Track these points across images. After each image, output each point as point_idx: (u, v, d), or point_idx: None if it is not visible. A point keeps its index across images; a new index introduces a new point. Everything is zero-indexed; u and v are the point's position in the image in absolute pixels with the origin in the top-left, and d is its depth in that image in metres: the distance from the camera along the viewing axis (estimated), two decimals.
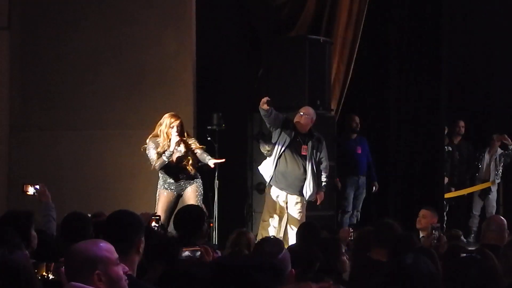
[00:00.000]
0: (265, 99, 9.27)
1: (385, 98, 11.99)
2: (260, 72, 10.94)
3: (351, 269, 6.40)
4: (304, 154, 9.53)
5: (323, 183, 9.69)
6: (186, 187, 9.14)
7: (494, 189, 12.71)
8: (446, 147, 12.41)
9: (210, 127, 9.74)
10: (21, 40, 10.73)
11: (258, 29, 11.45)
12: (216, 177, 9.57)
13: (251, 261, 3.13)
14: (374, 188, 11.78)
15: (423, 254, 4.03)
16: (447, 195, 12.34)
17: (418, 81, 11.77)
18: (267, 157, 9.67)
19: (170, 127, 9.00)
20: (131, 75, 10.47)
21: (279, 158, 9.50)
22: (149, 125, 9.56)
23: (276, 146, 9.51)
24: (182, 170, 9.13)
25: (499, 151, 12.74)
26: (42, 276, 4.40)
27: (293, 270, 4.07)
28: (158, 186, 9.22)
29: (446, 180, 12.37)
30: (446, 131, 12.43)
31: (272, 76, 10.58)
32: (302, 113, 9.57)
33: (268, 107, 9.26)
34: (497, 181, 12.72)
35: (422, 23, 11.79)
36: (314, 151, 9.58)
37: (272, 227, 9.50)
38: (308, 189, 9.51)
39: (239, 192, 10.00)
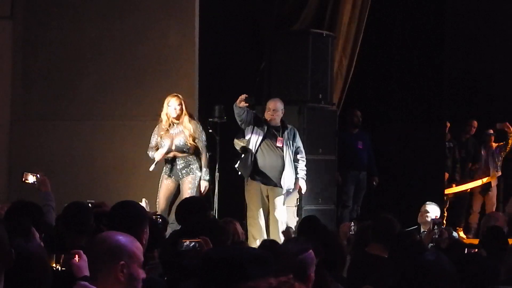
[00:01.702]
0: (243, 96, 9.25)
1: (387, 92, 11.98)
2: (262, 65, 10.93)
3: (349, 263, 6.40)
4: (279, 145, 9.52)
5: (304, 172, 9.68)
6: (183, 177, 9.21)
7: (494, 184, 12.75)
8: (447, 143, 12.42)
9: (211, 119, 9.74)
10: (23, 29, 10.72)
11: (261, 22, 11.44)
12: (216, 170, 9.58)
13: (240, 252, 3.06)
14: (374, 182, 11.79)
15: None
16: (447, 191, 12.35)
17: (420, 75, 11.76)
18: (243, 154, 9.63)
19: (168, 105, 9.11)
20: (133, 66, 10.47)
21: (256, 152, 9.49)
22: (151, 117, 9.57)
23: (251, 141, 9.49)
24: (180, 158, 9.20)
25: (494, 145, 12.82)
26: (51, 267, 4.40)
27: (312, 274, 3.98)
28: (163, 170, 9.35)
29: (446, 176, 12.38)
30: (448, 127, 12.43)
31: (275, 69, 10.57)
32: (271, 109, 9.53)
33: (245, 104, 9.25)
34: (498, 174, 12.76)
35: (426, 17, 11.77)
36: (290, 141, 9.57)
37: (259, 223, 9.47)
38: (286, 179, 9.50)
39: (239, 185, 9.99)
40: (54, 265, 4.38)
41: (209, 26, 10.66)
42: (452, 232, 8.15)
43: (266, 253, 3.04)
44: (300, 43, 10.51)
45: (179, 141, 9.20)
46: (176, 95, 9.27)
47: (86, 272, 4.11)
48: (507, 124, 12.67)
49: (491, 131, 12.86)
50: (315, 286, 4.06)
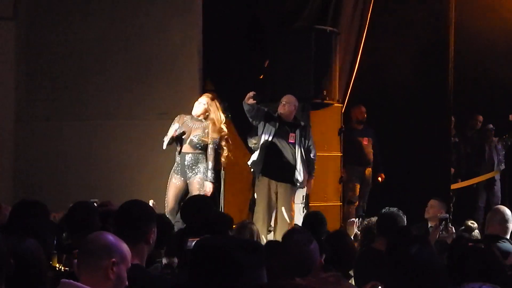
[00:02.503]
0: (251, 94, 9.27)
1: (391, 88, 11.96)
2: (266, 63, 10.92)
3: (356, 259, 6.40)
4: (291, 141, 9.52)
5: (313, 171, 9.68)
6: (191, 177, 9.19)
7: (497, 177, 12.76)
8: (452, 138, 12.40)
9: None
10: (26, 30, 10.73)
11: (264, 19, 11.43)
12: (222, 168, 9.57)
13: (229, 240, 3.04)
14: (380, 179, 11.77)
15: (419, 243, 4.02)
16: (453, 186, 12.33)
17: (425, 71, 11.74)
18: (255, 151, 9.64)
19: (197, 102, 9.32)
20: (137, 66, 10.47)
21: (267, 148, 9.49)
22: (156, 116, 9.58)
23: (263, 138, 9.49)
24: (190, 154, 9.20)
25: (495, 139, 12.83)
26: (54, 267, 4.42)
27: (322, 260, 4.01)
28: (172, 169, 9.37)
29: (452, 171, 12.37)
30: (453, 122, 12.41)
31: (278, 66, 10.56)
32: (284, 102, 9.55)
33: (253, 101, 9.26)
34: (501, 167, 12.76)
35: (429, 12, 11.75)
36: (303, 138, 9.56)
37: (264, 220, 9.46)
38: (299, 175, 9.47)
39: (245, 183, 9.99)
40: (56, 265, 4.40)
41: (212, 24, 10.65)
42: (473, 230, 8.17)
43: (257, 243, 3.03)
44: (303, 40, 10.49)
45: (194, 136, 9.22)
46: (207, 95, 9.42)
47: None
48: None
49: (491, 126, 12.87)
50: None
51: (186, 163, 9.22)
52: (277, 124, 9.49)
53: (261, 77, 10.99)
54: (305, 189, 9.76)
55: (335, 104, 10.87)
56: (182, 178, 9.26)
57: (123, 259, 3.54)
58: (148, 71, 10.45)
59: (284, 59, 10.51)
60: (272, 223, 9.55)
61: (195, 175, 9.20)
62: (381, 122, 11.92)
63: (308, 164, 9.59)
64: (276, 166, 9.48)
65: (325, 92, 10.50)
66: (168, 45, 10.43)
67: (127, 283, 3.56)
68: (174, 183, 9.27)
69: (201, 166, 9.21)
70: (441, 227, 7.29)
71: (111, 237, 3.59)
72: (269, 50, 10.85)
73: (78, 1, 10.66)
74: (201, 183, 9.18)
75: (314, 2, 11.39)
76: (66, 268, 4.43)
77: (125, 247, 3.59)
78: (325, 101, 10.55)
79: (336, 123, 10.78)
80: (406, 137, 11.83)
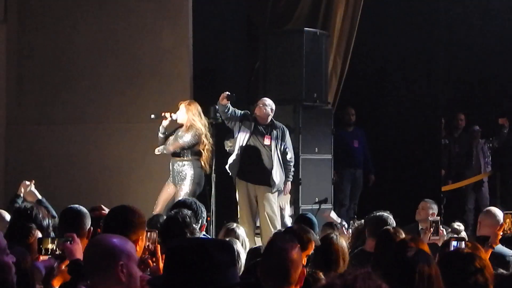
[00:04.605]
0: (225, 94, 9.28)
1: (382, 90, 11.98)
2: (257, 65, 10.93)
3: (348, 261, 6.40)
4: (267, 143, 9.50)
5: (291, 174, 9.67)
6: (179, 182, 9.25)
7: (485, 179, 12.79)
8: (443, 140, 12.42)
9: (206, 120, 9.74)
10: (17, 33, 10.72)
11: (255, 22, 11.45)
12: (213, 171, 9.57)
13: (203, 239, 3.07)
14: (370, 180, 11.79)
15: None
16: (444, 188, 12.35)
17: (415, 73, 11.76)
18: (232, 154, 9.63)
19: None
20: (128, 69, 10.47)
21: (242, 150, 9.49)
22: (146, 119, 9.57)
23: (238, 140, 9.48)
24: (176, 162, 9.29)
25: (481, 141, 12.85)
26: (46, 249, 4.44)
27: (304, 269, 3.98)
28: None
29: (442, 172, 12.39)
30: (443, 124, 12.43)
31: (269, 69, 10.58)
32: (261, 105, 9.55)
33: (227, 102, 9.27)
34: (487, 169, 12.79)
35: (419, 14, 11.78)
36: (279, 141, 9.54)
37: (248, 223, 9.46)
38: (275, 178, 9.46)
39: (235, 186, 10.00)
40: (49, 245, 4.42)
41: (203, 27, 10.66)
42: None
43: (228, 242, 3.09)
44: (294, 42, 10.52)
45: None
46: (184, 102, 9.41)
47: (79, 255, 4.16)
48: (505, 119, 12.69)
49: (477, 127, 12.89)
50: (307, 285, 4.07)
51: (175, 170, 9.30)
52: (252, 125, 9.47)
53: (252, 79, 11.01)
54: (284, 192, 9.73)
55: (326, 107, 10.89)
56: (173, 185, 9.33)
57: (130, 258, 3.51)
58: (138, 75, 10.45)
59: (275, 61, 10.54)
60: (258, 223, 9.56)
61: (181, 181, 9.26)
62: (371, 124, 11.95)
63: (285, 167, 9.56)
64: (252, 169, 9.46)
65: (316, 95, 10.52)
66: (158, 48, 10.44)
67: (141, 273, 3.56)
68: (166, 188, 9.37)
69: (188, 173, 9.26)
70: (432, 230, 7.30)
71: (112, 239, 3.56)
72: (260, 52, 10.87)
73: (69, 4, 10.66)
74: (184, 190, 9.23)
75: (304, 5, 11.42)
76: (57, 251, 4.44)
77: (128, 244, 3.57)
78: (316, 104, 10.56)
79: (327, 125, 10.79)
80: (397, 139, 11.86)
